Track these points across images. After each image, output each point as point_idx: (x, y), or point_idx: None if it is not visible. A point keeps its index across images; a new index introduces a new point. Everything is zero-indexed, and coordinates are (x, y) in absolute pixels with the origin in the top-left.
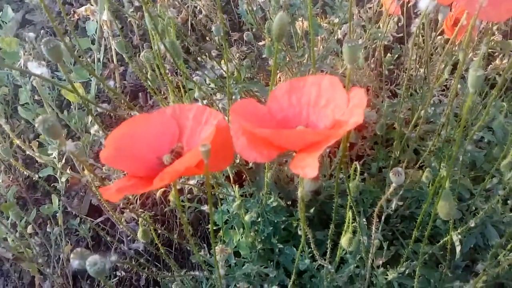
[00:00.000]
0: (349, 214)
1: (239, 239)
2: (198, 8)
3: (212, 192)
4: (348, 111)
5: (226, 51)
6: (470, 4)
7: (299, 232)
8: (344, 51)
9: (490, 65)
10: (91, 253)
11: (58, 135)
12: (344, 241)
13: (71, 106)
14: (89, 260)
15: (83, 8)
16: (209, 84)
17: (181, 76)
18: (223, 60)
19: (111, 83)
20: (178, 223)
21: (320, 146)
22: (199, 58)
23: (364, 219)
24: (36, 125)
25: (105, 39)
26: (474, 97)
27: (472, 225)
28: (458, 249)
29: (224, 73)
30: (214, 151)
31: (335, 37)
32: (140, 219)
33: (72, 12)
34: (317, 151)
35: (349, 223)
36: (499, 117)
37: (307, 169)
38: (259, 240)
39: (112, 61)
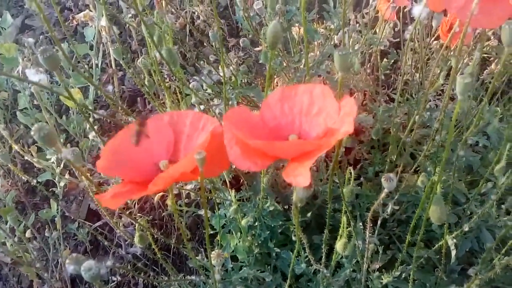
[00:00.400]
0: (344, 218)
1: (236, 243)
2: (196, 14)
3: (209, 197)
4: (339, 120)
5: (223, 56)
6: (461, 12)
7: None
8: (335, 59)
9: (486, 70)
10: (87, 258)
11: (53, 143)
12: (339, 245)
13: (70, 111)
14: (84, 266)
15: (81, 14)
16: (206, 90)
17: (178, 81)
18: (220, 65)
19: (110, 88)
20: (176, 227)
21: (313, 155)
22: (196, 64)
23: (361, 224)
24: (32, 133)
25: (103, 45)
26: (469, 102)
27: (467, 229)
28: (453, 253)
29: (221, 78)
30: (210, 157)
31: (332, 43)
32: (137, 224)
33: (71, 17)
34: (309, 160)
35: (343, 227)
36: (493, 121)
37: (299, 178)
38: (256, 244)
39: (111, 66)
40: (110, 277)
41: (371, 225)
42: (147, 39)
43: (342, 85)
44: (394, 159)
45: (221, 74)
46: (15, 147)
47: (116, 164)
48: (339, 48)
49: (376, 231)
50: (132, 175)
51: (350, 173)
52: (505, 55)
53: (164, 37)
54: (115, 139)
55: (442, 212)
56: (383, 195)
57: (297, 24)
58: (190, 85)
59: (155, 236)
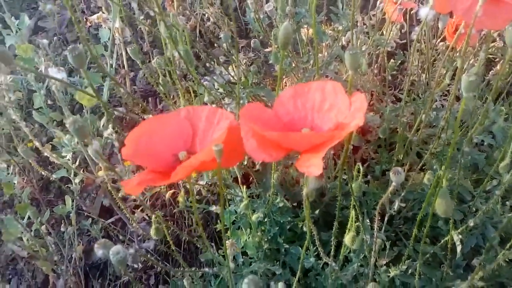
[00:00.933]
0: (352, 213)
1: (246, 239)
2: (206, 16)
3: (220, 193)
4: (350, 115)
5: (236, 57)
6: (467, 14)
7: (305, 229)
8: (346, 59)
9: (491, 71)
10: (114, 244)
11: (86, 135)
12: (347, 239)
13: (83, 111)
14: (112, 250)
15: (95, 16)
16: (218, 89)
17: (190, 81)
18: (230, 66)
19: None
20: (186, 224)
21: (324, 146)
22: (207, 64)
23: (368, 220)
24: (67, 125)
25: (116, 46)
26: (474, 102)
27: (472, 224)
28: (458, 248)
29: (231, 78)
30: (227, 148)
31: (339, 44)
32: (153, 216)
33: (84, 19)
34: (321, 152)
35: (352, 221)
36: (499, 121)
37: (312, 168)
38: (266, 240)
39: (123, 67)
40: (131, 265)
41: (379, 218)
42: (163, 40)
43: (352, 84)
44: (401, 158)
45: (232, 74)
46: (36, 143)
47: (139, 153)
48: (349, 48)
49: (383, 228)
50: (153, 165)
51: (359, 169)
52: (509, 55)
53: (181, 38)
54: (139, 128)
55: (448, 205)
56: (391, 188)
57: (305, 26)
58: (203, 84)
59: (169, 230)
